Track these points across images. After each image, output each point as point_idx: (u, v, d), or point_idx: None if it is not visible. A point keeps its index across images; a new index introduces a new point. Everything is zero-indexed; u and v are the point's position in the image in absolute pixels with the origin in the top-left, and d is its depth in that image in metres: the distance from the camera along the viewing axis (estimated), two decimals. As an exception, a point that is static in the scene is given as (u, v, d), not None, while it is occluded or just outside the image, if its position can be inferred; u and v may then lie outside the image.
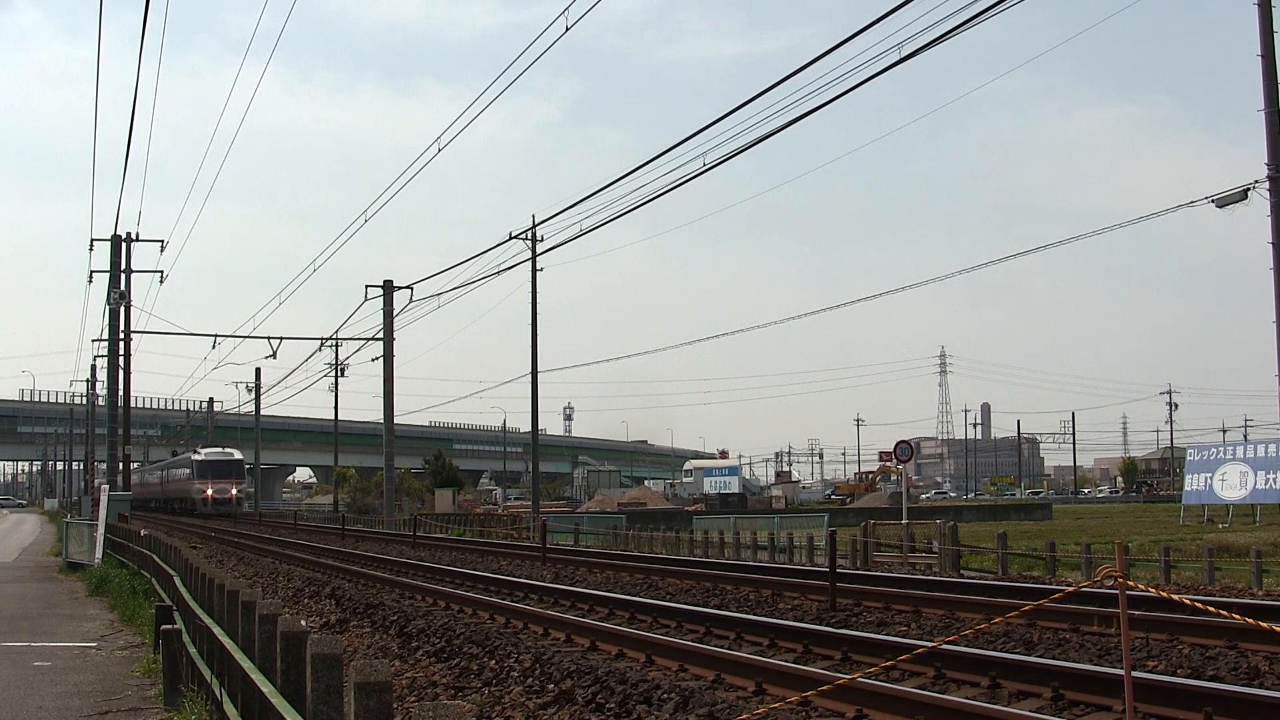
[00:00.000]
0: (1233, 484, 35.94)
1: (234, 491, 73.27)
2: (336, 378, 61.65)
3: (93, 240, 41.78)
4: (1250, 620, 5.53)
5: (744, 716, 7.32)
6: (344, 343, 58.43)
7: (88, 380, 73.01)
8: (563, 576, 19.23)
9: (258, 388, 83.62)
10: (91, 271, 43.98)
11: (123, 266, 39.70)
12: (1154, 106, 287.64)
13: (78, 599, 21.16)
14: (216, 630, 8.34)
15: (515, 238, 40.95)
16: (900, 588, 14.68)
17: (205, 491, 71.72)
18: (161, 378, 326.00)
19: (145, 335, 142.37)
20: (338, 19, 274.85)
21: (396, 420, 51.18)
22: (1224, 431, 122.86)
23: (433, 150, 38.34)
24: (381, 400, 49.42)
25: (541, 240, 41.91)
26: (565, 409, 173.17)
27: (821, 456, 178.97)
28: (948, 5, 15.14)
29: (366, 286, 48.78)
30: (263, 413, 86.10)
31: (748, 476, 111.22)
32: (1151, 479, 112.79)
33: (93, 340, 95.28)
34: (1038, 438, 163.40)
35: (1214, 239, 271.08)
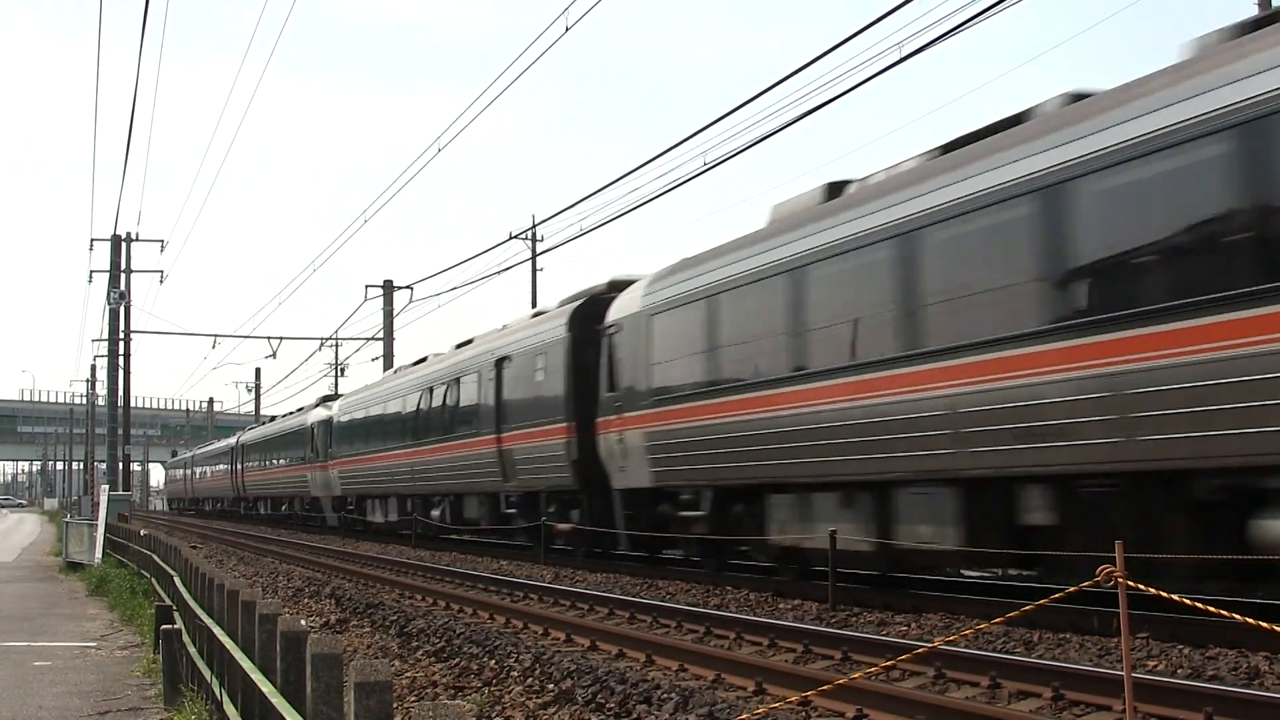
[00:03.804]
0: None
1: None
2: (336, 378, 61.54)
3: (92, 240, 41.97)
4: (1250, 620, 5.53)
5: (744, 716, 7.31)
6: (344, 343, 58.31)
7: (88, 380, 72.96)
8: (562, 576, 19.23)
9: (257, 388, 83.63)
10: (91, 271, 44.06)
11: (122, 266, 39.72)
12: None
13: (77, 599, 21.16)
14: (216, 630, 8.35)
15: (515, 238, 40.91)
16: (900, 587, 14.67)
17: None
18: (161, 378, 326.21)
19: (145, 335, 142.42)
20: (338, 18, 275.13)
21: (398, 420, 50.73)
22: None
23: (432, 150, 38.33)
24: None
25: (542, 240, 41.89)
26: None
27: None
28: (948, 5, 15.10)
29: (366, 286, 48.65)
30: (263, 412, 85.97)
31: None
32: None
33: (93, 340, 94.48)
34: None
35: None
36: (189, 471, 77.82)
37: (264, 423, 58.25)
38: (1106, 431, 10.30)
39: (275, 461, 48.70)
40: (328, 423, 39.54)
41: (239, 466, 57.05)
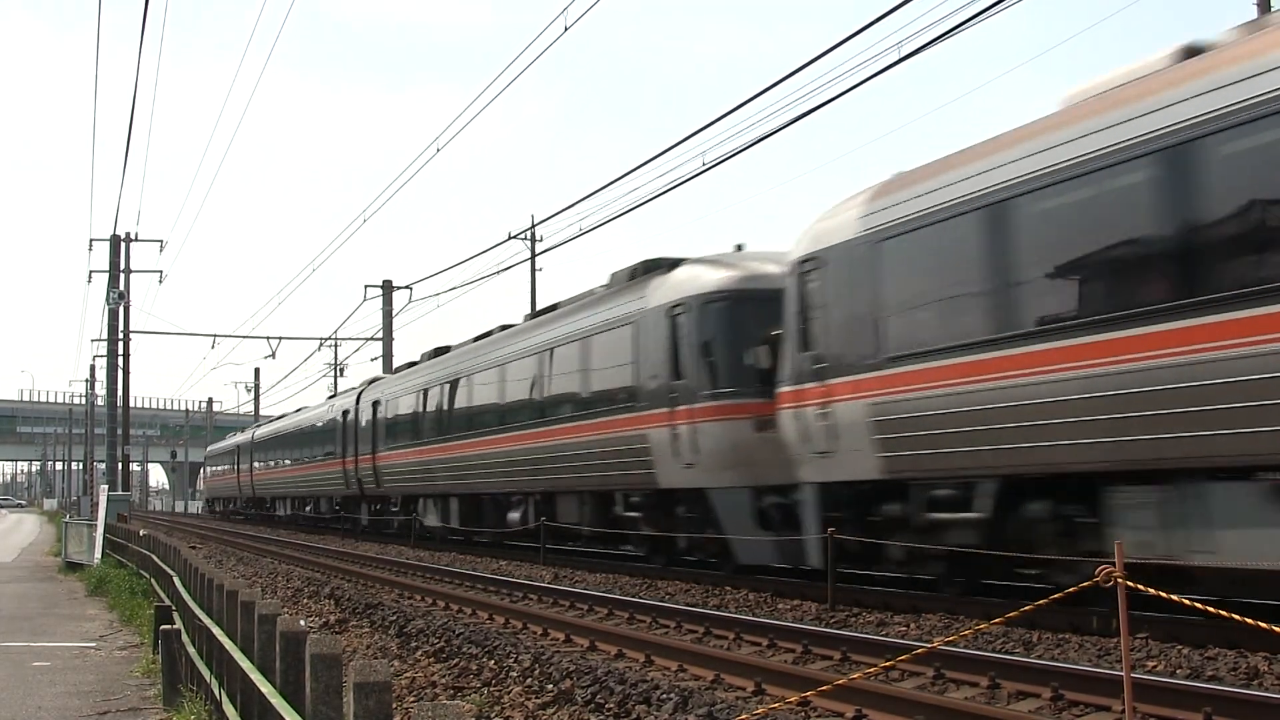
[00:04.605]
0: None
1: None
2: (336, 378, 61.57)
3: (92, 240, 41.99)
4: (1250, 620, 5.53)
5: (743, 717, 7.31)
6: (343, 343, 58.23)
7: (87, 380, 73.00)
8: (561, 576, 19.23)
9: (256, 387, 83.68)
10: (91, 271, 44.06)
11: (122, 266, 39.74)
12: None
13: (77, 599, 21.15)
14: (216, 630, 8.35)
15: (514, 238, 40.86)
16: (900, 587, 14.67)
17: None
18: (161, 378, 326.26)
19: (145, 335, 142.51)
20: (338, 18, 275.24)
21: (399, 419, 49.82)
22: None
23: (431, 151, 38.24)
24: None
25: (540, 240, 41.80)
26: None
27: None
28: (948, 5, 14.99)
29: (365, 286, 48.38)
30: (262, 413, 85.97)
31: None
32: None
33: (92, 340, 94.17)
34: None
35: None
36: (244, 463, 55.70)
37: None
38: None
39: (507, 422, 23.79)
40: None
41: (361, 445, 34.48)
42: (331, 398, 43.39)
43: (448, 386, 27.88)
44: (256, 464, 52.58)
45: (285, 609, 10.19)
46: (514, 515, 24.19)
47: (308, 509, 44.64)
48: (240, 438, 58.98)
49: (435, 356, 30.30)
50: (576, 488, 21.07)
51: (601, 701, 8.63)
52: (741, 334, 16.93)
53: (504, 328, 25.99)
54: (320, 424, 40.60)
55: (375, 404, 33.61)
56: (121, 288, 39.47)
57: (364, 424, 34.52)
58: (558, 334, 21.76)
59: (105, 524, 29.45)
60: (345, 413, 36.82)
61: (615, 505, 19.87)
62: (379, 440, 32.98)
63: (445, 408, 27.96)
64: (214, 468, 68.58)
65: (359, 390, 36.94)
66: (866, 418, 13.38)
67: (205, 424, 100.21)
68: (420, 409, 29.73)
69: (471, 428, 25.80)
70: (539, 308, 24.03)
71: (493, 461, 24.47)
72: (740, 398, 16.67)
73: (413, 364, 32.40)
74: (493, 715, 8.67)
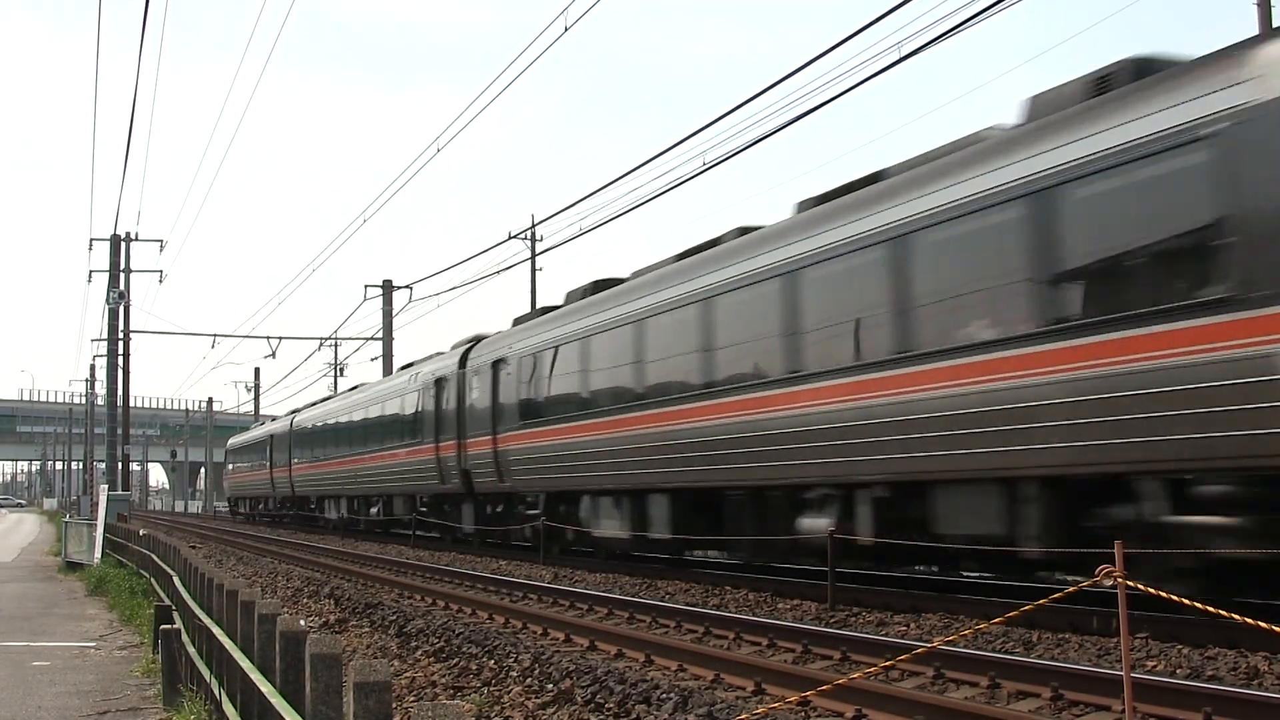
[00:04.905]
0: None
1: None
2: (335, 378, 61.57)
3: (92, 240, 41.99)
4: (1250, 620, 5.53)
5: (743, 716, 7.31)
6: (343, 342, 58.25)
7: (87, 380, 73.08)
8: (561, 576, 19.24)
9: (256, 387, 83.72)
10: (91, 271, 44.11)
11: (122, 266, 39.77)
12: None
13: (76, 599, 21.16)
14: (215, 630, 8.35)
15: (514, 237, 40.87)
16: (899, 587, 14.67)
17: None
18: (161, 377, 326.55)
19: (145, 335, 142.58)
20: (338, 18, 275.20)
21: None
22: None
23: (431, 150, 38.24)
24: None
25: (541, 240, 41.80)
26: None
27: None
28: (948, 4, 14.85)
29: (366, 286, 48.32)
30: (262, 413, 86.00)
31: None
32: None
33: (92, 340, 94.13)
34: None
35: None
36: (279, 456, 45.47)
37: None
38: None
39: (798, 370, 14.49)
40: None
41: (471, 425, 25.35)
42: (405, 367, 32.81)
43: (646, 328, 18.15)
44: (296, 457, 42.49)
45: (285, 609, 10.19)
46: (814, 521, 14.54)
47: (373, 511, 34.48)
48: (274, 425, 48.60)
49: (595, 292, 20.98)
50: (1002, 469, 11.66)
51: (601, 701, 8.63)
52: None
53: (743, 231, 17.12)
54: (395, 401, 30.78)
55: (496, 365, 23.84)
56: (121, 287, 39.50)
57: (475, 396, 25.02)
58: (927, 208, 12.55)
59: (105, 524, 29.46)
60: (440, 381, 27.19)
61: (1124, 503, 10.62)
62: (502, 416, 23.47)
63: (642, 361, 18.25)
64: (238, 463, 57.13)
65: (462, 349, 26.69)
66: None
67: (205, 424, 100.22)
68: (586, 366, 20.15)
69: (709, 384, 16.45)
70: (835, 187, 15.06)
71: (765, 434, 15.11)
72: None
73: (547, 310, 23.45)
74: (493, 715, 8.67)
